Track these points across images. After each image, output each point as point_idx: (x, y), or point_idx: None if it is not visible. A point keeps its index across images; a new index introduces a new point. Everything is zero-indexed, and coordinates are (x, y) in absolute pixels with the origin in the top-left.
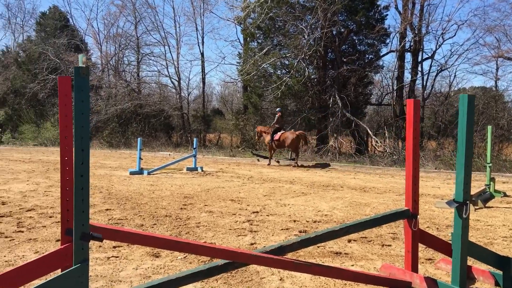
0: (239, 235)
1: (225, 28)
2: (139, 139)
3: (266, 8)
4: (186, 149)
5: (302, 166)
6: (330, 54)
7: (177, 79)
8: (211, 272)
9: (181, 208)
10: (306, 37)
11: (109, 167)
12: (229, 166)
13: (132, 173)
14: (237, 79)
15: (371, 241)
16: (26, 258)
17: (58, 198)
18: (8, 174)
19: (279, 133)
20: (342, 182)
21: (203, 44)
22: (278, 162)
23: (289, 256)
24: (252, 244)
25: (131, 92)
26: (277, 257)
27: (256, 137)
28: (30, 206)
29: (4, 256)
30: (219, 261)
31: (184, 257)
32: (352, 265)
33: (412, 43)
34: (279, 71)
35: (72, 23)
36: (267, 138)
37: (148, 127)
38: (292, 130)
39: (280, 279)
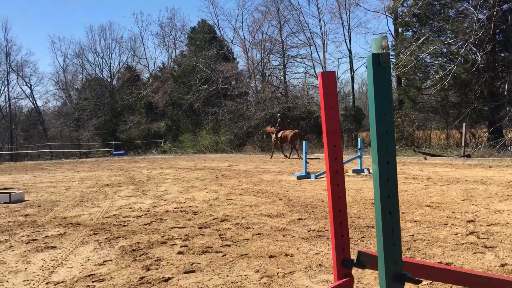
0: (474, 252)
1: (373, 21)
2: (304, 142)
3: None
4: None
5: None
6: (499, 34)
7: None
8: None
9: None
10: (475, 17)
11: (272, 171)
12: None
13: (299, 177)
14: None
15: None
16: (251, 279)
17: (243, 207)
18: (185, 182)
19: (281, 132)
20: None
21: (350, 41)
22: (271, 157)
23: None
24: (503, 265)
25: (279, 96)
26: None
27: (265, 135)
28: (221, 216)
29: (227, 276)
30: None
31: None
32: None
33: None
34: (440, 59)
35: (220, 34)
36: (273, 136)
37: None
38: (290, 129)
39: None
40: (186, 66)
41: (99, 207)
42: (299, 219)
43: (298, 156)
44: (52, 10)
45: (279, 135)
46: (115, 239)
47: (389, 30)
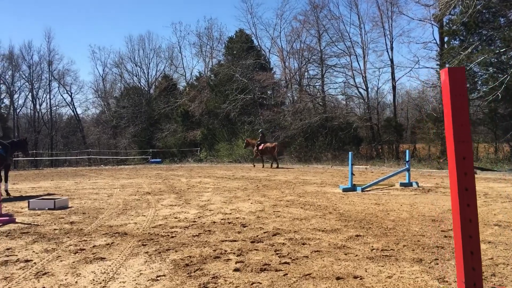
0: None
1: (417, 30)
2: (350, 153)
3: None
4: (379, 162)
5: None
6: None
7: (364, 88)
8: None
9: (445, 236)
10: None
11: (313, 183)
12: (444, 180)
13: (345, 190)
14: (435, 83)
15: None
16: None
17: (292, 220)
18: (226, 192)
19: (262, 145)
20: None
21: (392, 50)
22: (254, 165)
23: None
24: None
25: (317, 106)
26: None
27: (243, 146)
28: (272, 229)
29: None
30: None
31: None
32: None
33: None
34: (490, 69)
35: (257, 44)
36: (254, 148)
37: (335, 141)
38: (269, 142)
39: None
40: (223, 75)
41: (144, 216)
42: (357, 235)
43: (276, 166)
44: (93, 20)
45: (260, 147)
46: (165, 252)
47: (434, 39)
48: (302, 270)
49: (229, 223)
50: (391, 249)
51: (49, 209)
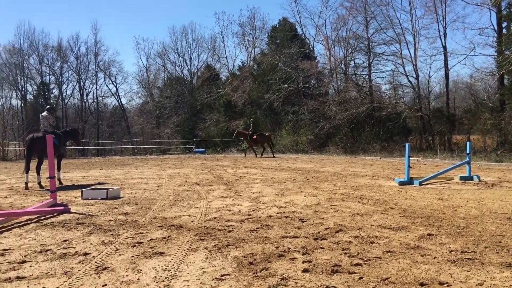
0: None
1: (473, 15)
2: (407, 144)
3: None
4: (431, 153)
5: None
6: None
7: (414, 77)
8: None
9: None
10: None
11: (365, 175)
12: (505, 174)
13: (401, 183)
14: (492, 72)
15: None
16: None
17: (352, 215)
18: (276, 183)
19: (255, 135)
20: None
21: (445, 36)
22: (245, 155)
23: None
24: None
25: (363, 95)
26: None
27: (234, 136)
28: (333, 225)
29: None
30: None
31: None
32: None
33: None
34: None
35: (301, 32)
36: (247, 138)
37: (383, 131)
38: (263, 133)
39: None
40: (266, 64)
41: (197, 207)
42: (428, 234)
43: (261, 154)
44: (137, 11)
45: (254, 137)
46: (225, 247)
47: (492, 24)
48: (378, 273)
49: (286, 217)
50: (472, 251)
51: (101, 198)
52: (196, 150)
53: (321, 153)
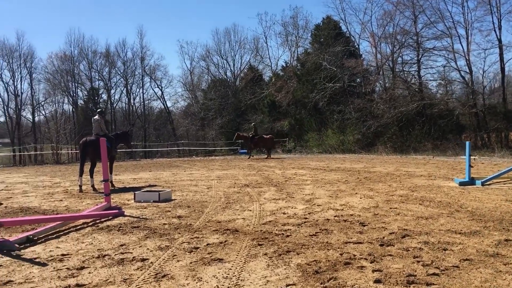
0: None
1: None
2: (467, 142)
3: None
4: (487, 151)
5: None
6: None
7: (468, 71)
8: None
9: None
10: None
11: (420, 175)
12: None
13: (462, 183)
14: None
15: None
16: None
17: (416, 219)
18: (327, 184)
19: (256, 137)
20: None
21: (500, 29)
22: (250, 157)
23: None
24: None
25: (412, 93)
26: None
27: (234, 138)
28: (397, 230)
29: None
30: None
31: None
32: None
33: None
34: None
35: (346, 30)
36: (247, 141)
37: (434, 129)
38: (264, 135)
39: None
40: (310, 64)
41: (250, 210)
42: (506, 240)
43: (268, 156)
44: (180, 16)
45: (254, 140)
46: (285, 254)
47: None
48: (460, 284)
49: (345, 221)
50: None
51: (154, 201)
52: (242, 151)
53: (369, 152)
